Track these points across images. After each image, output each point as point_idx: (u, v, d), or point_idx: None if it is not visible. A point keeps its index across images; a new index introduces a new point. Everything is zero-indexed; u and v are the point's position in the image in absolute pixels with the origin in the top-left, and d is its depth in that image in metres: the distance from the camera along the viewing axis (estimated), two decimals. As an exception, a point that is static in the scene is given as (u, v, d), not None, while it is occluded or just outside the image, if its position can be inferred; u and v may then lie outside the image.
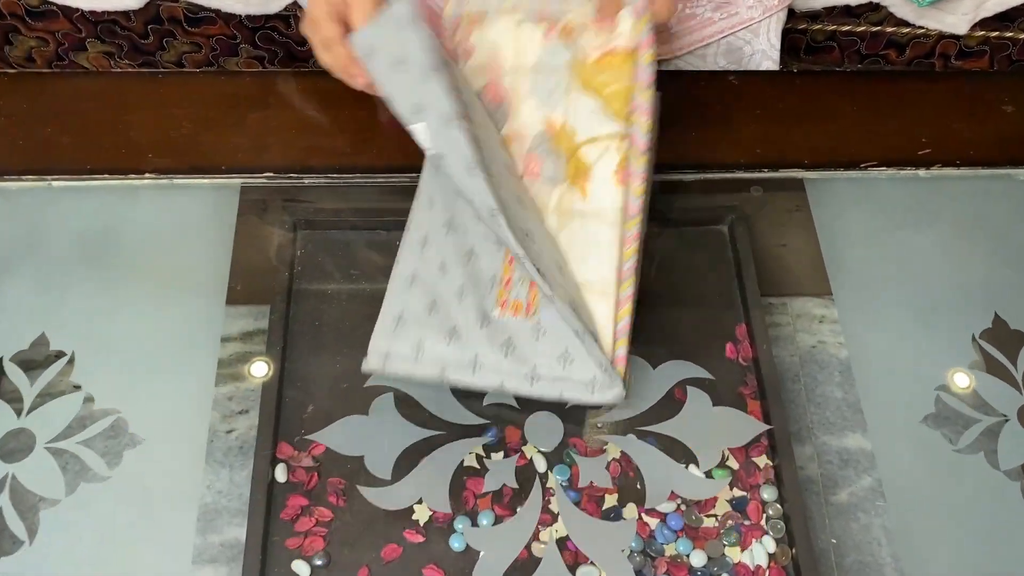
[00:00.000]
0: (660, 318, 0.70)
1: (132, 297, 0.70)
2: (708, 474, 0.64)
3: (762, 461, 0.65)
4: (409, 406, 0.65)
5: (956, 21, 1.01)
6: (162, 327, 0.68)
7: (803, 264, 0.74)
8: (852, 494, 0.64)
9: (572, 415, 0.66)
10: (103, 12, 1.01)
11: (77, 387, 0.66)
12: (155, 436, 0.64)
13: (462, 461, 0.63)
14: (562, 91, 0.66)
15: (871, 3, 1.02)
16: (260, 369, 0.66)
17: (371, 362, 0.62)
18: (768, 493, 0.63)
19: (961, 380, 0.70)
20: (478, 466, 0.63)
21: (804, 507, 0.62)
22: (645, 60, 0.64)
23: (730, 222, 0.75)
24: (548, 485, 0.63)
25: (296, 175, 0.75)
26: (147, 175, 0.75)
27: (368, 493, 0.61)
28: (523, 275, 0.62)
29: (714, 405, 0.66)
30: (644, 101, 0.64)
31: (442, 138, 0.59)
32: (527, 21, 0.68)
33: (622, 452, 0.64)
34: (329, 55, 0.66)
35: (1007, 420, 0.68)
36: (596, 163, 0.64)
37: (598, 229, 0.63)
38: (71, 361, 0.67)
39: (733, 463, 0.64)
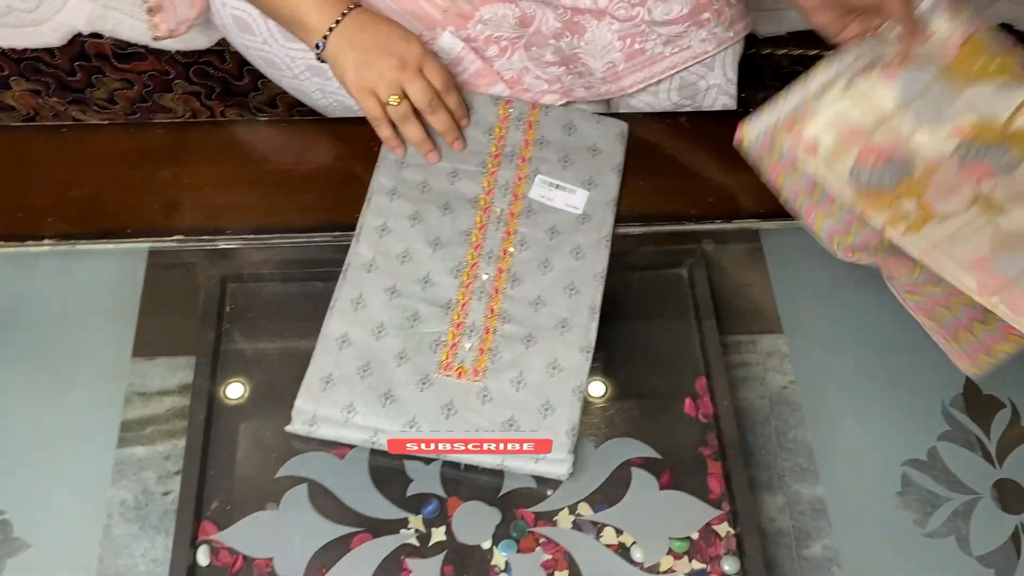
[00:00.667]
0: (614, 374, 0.66)
1: (26, 380, 0.65)
2: (654, 568, 0.59)
3: (723, 529, 0.61)
4: (324, 499, 0.60)
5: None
6: (58, 415, 0.63)
7: (771, 300, 0.71)
8: (826, 547, 0.61)
9: (506, 501, 0.61)
10: (24, 49, 0.95)
11: (-44, 485, 0.60)
12: (44, 540, 0.59)
13: (381, 561, 0.58)
14: (947, 100, 0.62)
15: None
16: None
17: (296, 425, 0.61)
18: (729, 565, 0.59)
19: (929, 454, 0.65)
20: (418, 544, 0.59)
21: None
22: (994, 32, 0.62)
23: (689, 266, 0.72)
24: (493, 563, 0.59)
25: (209, 236, 0.69)
26: (46, 241, 0.70)
27: (276, 602, 0.56)
28: (472, 343, 0.63)
29: (662, 488, 0.62)
30: None
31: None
32: (853, 80, 0.63)
33: (561, 546, 0.59)
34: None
35: (980, 498, 0.63)
36: None
37: None
38: (-48, 455, 0.61)
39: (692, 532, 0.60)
